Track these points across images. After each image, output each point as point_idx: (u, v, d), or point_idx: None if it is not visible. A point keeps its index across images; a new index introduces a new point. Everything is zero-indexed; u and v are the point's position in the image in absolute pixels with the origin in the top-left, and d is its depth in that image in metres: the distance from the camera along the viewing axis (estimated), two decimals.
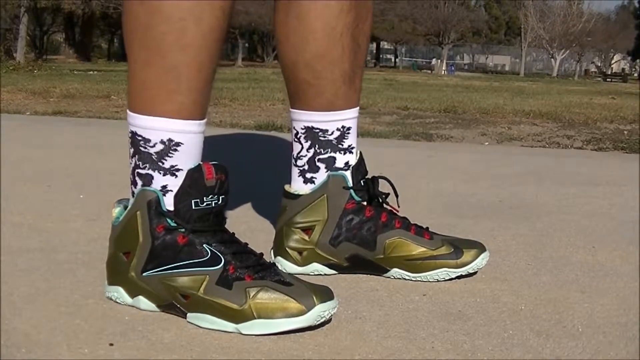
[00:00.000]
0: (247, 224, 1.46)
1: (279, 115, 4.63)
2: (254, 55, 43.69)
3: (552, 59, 40.37)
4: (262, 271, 0.93)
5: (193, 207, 0.93)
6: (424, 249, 1.12)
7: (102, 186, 1.84)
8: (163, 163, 0.94)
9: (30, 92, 6.06)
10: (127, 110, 0.97)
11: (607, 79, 34.88)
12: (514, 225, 1.55)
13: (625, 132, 4.36)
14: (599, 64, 49.06)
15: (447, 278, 1.13)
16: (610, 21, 49.10)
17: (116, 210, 0.99)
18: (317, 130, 1.14)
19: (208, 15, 0.91)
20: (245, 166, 2.20)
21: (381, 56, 47.75)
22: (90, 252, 1.22)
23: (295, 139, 1.16)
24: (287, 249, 1.15)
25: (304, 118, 1.14)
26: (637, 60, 49.20)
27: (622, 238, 1.47)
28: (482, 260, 1.14)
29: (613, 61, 51.40)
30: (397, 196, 1.19)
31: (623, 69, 50.14)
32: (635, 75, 44.48)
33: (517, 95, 9.26)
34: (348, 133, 1.15)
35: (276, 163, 2.36)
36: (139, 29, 0.92)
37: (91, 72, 12.29)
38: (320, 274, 1.14)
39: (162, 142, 0.94)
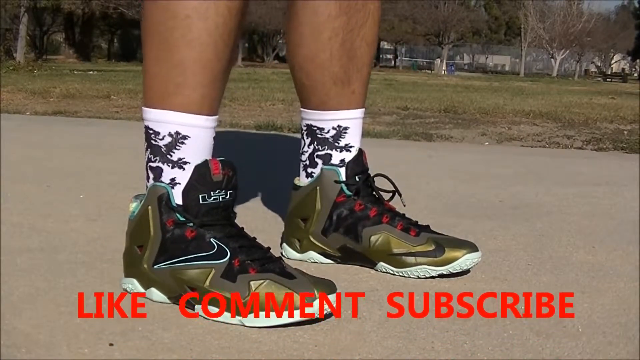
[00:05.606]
0: (246, 224, 1.45)
1: (279, 115, 4.63)
2: (254, 55, 43.64)
3: (552, 59, 40.34)
4: (267, 264, 0.95)
5: (201, 202, 0.96)
6: (404, 245, 1.14)
7: (102, 186, 1.84)
8: (171, 156, 0.97)
9: (30, 92, 6.05)
10: (142, 107, 1.01)
11: (607, 79, 34.91)
12: (514, 225, 1.55)
13: (625, 132, 4.36)
14: (599, 64, 49.03)
15: (427, 275, 1.13)
16: (610, 21, 49.06)
17: (132, 205, 1.02)
18: (315, 128, 1.20)
19: (213, 13, 0.94)
20: (245, 166, 2.19)
21: (381, 56, 47.66)
22: (90, 252, 1.23)
23: (301, 136, 1.23)
24: (290, 236, 1.23)
25: (305, 116, 1.22)
26: (637, 60, 49.17)
27: (622, 238, 1.47)
28: (466, 260, 1.13)
29: (613, 61, 51.35)
30: (399, 194, 1.22)
31: (623, 69, 50.11)
32: (635, 75, 44.48)
33: (517, 95, 9.26)
34: (345, 132, 1.19)
35: (276, 163, 2.37)
36: (151, 26, 0.96)
37: (91, 72, 12.27)
38: (317, 262, 1.20)
39: (170, 134, 0.97)
